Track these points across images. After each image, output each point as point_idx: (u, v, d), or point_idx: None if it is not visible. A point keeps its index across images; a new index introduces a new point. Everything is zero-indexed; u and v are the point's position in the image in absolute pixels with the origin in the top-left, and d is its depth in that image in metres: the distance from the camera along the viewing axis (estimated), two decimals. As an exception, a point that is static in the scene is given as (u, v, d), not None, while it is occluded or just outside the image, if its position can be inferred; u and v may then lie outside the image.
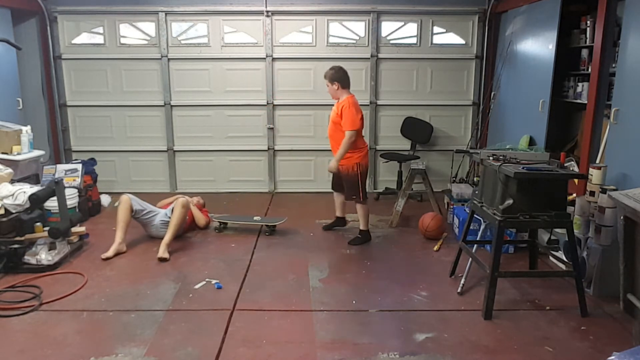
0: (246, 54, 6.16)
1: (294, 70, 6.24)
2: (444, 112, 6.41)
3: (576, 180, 4.19)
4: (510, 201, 3.16)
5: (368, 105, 6.29)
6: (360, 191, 4.44)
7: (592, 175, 3.60)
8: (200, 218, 4.91)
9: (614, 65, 4.08)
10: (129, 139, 6.36)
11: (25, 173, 4.84)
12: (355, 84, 6.20)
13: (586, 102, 4.42)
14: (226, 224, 4.94)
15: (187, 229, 4.76)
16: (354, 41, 6.22)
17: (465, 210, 4.68)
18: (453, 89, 6.36)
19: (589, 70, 4.51)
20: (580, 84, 5.08)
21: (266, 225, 4.81)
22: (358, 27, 6.18)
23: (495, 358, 2.77)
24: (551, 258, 3.83)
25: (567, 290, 3.49)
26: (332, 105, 4.50)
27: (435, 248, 4.44)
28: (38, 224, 4.06)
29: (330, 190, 4.91)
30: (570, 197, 3.88)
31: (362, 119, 4.38)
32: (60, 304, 3.34)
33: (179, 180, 6.48)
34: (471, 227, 3.77)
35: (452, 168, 6.01)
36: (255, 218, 4.97)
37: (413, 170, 5.04)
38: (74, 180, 5.01)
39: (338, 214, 4.91)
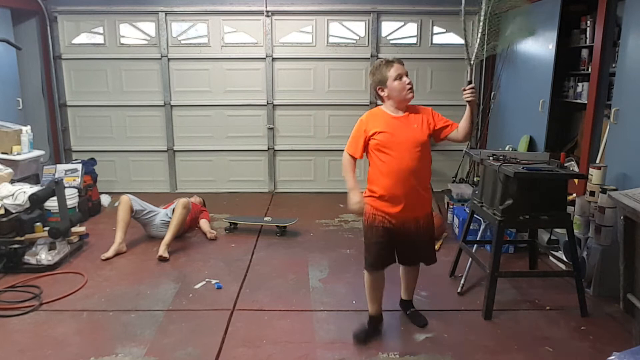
0: (246, 54, 6.16)
1: (294, 70, 6.23)
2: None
3: (576, 180, 4.18)
4: (510, 201, 3.16)
5: (368, 105, 6.28)
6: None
7: (592, 175, 3.59)
8: (208, 232, 4.70)
9: (614, 65, 4.07)
10: (129, 139, 6.36)
11: (25, 173, 4.83)
12: (356, 84, 6.25)
13: (586, 102, 4.41)
14: (237, 224, 4.92)
15: (187, 229, 4.76)
16: (354, 41, 6.22)
17: (465, 210, 4.67)
18: (453, 89, 6.34)
19: (589, 70, 4.51)
20: (580, 84, 5.07)
21: (277, 226, 4.81)
22: (358, 27, 6.18)
23: (495, 358, 2.77)
24: (551, 258, 3.83)
25: (567, 290, 3.50)
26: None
27: (436, 248, 4.43)
28: (38, 224, 4.06)
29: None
30: (570, 197, 3.88)
31: None
32: (60, 304, 3.34)
33: (179, 180, 6.48)
34: (471, 227, 3.77)
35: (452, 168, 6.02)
36: (265, 219, 4.97)
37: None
38: (74, 180, 5.01)
39: (406, 296, 3.23)
